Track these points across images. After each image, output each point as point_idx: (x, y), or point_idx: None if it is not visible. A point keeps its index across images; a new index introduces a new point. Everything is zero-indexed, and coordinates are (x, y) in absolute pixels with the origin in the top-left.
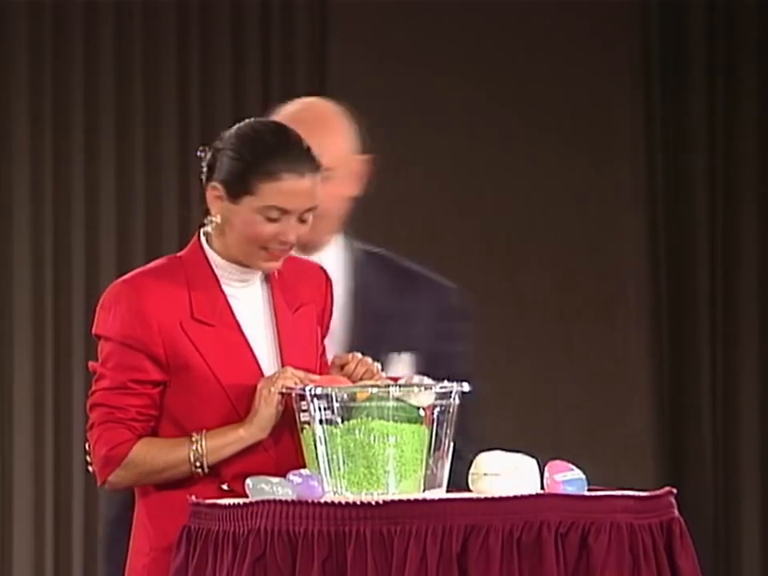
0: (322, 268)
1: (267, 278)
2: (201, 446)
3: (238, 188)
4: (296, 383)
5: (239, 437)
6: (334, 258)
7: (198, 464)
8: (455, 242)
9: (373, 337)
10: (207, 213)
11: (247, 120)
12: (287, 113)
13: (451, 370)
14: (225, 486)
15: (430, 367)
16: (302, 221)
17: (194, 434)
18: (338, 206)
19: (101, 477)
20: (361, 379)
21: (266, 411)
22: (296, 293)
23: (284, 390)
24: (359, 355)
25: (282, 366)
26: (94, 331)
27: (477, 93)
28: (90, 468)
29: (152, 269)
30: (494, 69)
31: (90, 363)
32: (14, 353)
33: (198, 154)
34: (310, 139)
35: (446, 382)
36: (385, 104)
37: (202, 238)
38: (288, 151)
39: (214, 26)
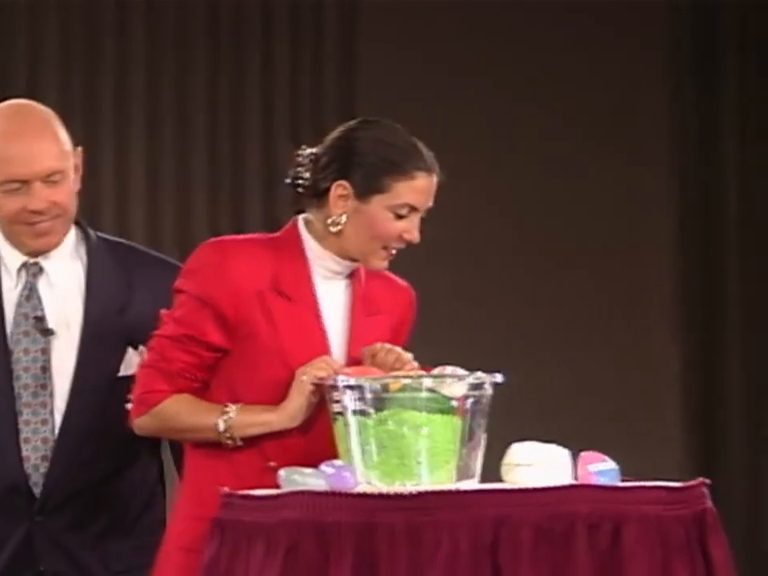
0: (410, 291)
1: (352, 280)
2: (230, 417)
3: (368, 186)
4: (329, 374)
5: (268, 420)
6: (71, 250)
7: (227, 435)
8: (487, 239)
9: (108, 326)
10: (298, 210)
11: (359, 119)
12: None
13: None
14: (272, 464)
15: None
16: (420, 219)
17: (228, 405)
18: (74, 202)
19: (131, 416)
20: (392, 368)
21: (296, 401)
22: (375, 301)
23: (316, 381)
24: (387, 345)
25: (347, 362)
26: (174, 286)
27: (508, 91)
28: (129, 405)
29: (245, 237)
30: (525, 67)
31: (162, 310)
32: None
33: (299, 152)
34: (35, 147)
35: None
36: (414, 103)
37: (300, 223)
38: (418, 151)
39: (243, 26)
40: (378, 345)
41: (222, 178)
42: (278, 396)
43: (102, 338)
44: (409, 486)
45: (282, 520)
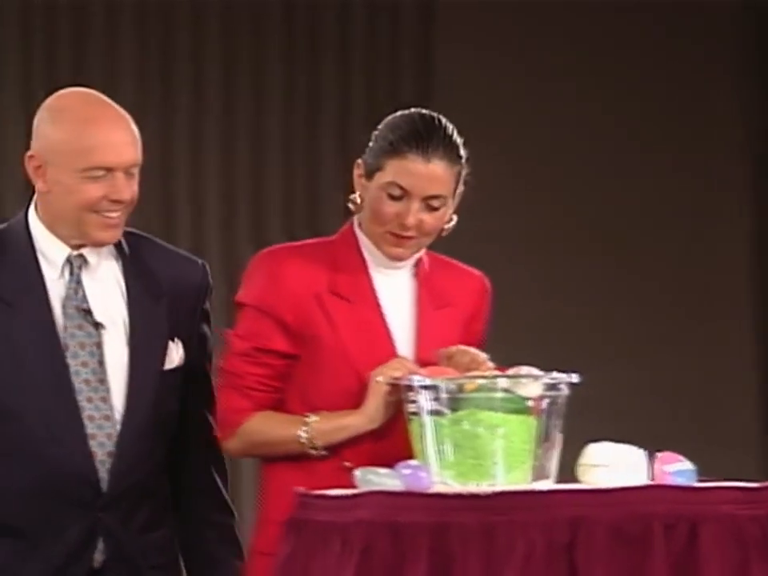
0: (483, 278)
1: (416, 273)
2: (311, 427)
3: (372, 165)
4: (403, 374)
5: (348, 425)
6: None
7: (310, 445)
8: (564, 238)
9: (150, 319)
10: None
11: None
12: (73, 112)
13: (208, 350)
14: (346, 464)
15: (196, 350)
16: (428, 207)
17: (309, 415)
18: None
19: (221, 441)
20: (467, 369)
21: (373, 402)
22: (443, 293)
23: (391, 381)
24: (463, 346)
25: (415, 357)
26: (235, 300)
27: (584, 92)
28: (216, 433)
29: (299, 244)
30: (601, 69)
31: (225, 330)
32: None
33: None
34: (122, 137)
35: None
36: (491, 104)
37: (355, 222)
38: (421, 135)
39: (320, 26)
40: (454, 348)
41: (297, 180)
42: (347, 399)
43: (148, 331)
44: (484, 486)
45: (357, 520)
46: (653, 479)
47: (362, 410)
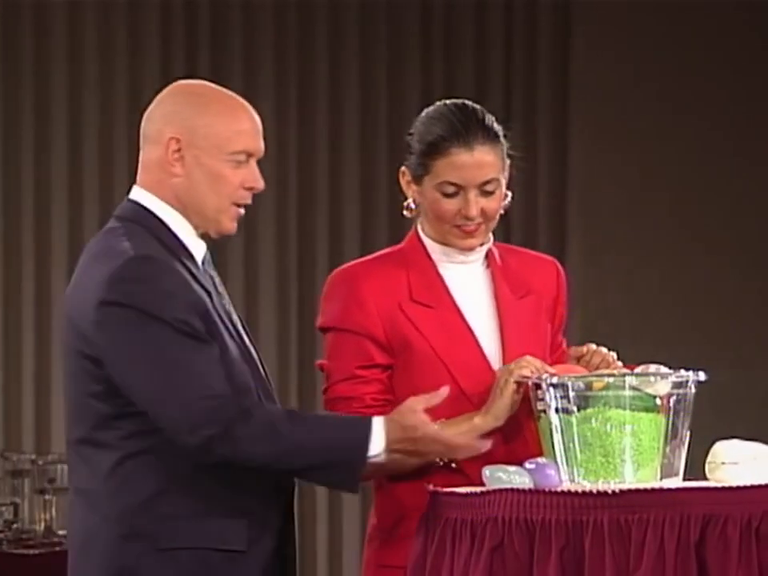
0: (555, 262)
1: (488, 264)
2: None
3: (418, 169)
4: (532, 372)
5: (473, 425)
6: None
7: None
8: (697, 238)
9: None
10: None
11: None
12: (217, 98)
13: None
14: (453, 465)
15: None
16: (485, 193)
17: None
18: None
19: None
20: (597, 368)
21: (500, 401)
22: (522, 281)
23: (520, 379)
24: (594, 346)
25: (503, 349)
26: (317, 324)
27: (724, 93)
28: None
29: (370, 258)
30: (741, 64)
31: (318, 362)
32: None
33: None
34: (259, 125)
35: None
36: (626, 109)
37: (419, 226)
38: (459, 127)
39: (456, 25)
40: (585, 347)
41: None
42: (445, 403)
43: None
44: (613, 484)
45: (488, 517)
46: None
47: (488, 409)
